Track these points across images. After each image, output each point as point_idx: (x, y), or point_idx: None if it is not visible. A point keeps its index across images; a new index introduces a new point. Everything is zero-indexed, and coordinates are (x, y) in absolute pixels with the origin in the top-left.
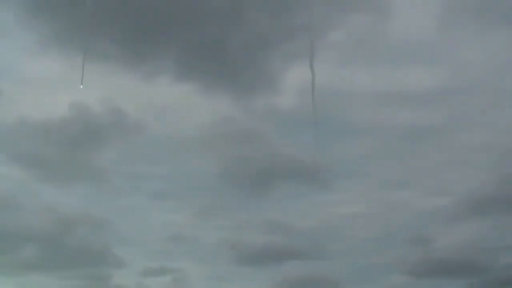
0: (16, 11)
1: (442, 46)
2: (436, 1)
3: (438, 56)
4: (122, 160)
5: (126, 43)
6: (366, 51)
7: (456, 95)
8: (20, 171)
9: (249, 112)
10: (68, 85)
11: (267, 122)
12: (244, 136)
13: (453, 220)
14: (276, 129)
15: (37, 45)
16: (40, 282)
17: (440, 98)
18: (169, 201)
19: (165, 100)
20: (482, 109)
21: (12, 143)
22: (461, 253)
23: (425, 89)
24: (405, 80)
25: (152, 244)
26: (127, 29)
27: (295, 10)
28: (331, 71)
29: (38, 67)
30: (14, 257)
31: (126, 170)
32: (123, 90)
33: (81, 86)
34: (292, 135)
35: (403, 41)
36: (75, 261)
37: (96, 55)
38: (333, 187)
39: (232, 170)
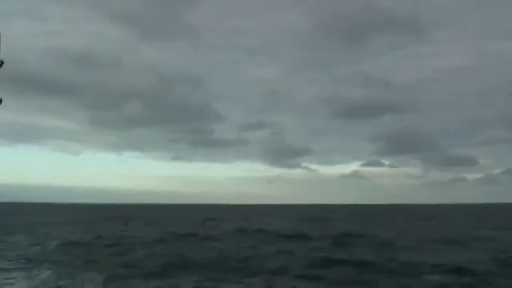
0: None
1: None
2: None
3: None
4: (214, 15)
5: None
6: None
7: None
8: (118, 30)
9: None
10: None
11: None
12: None
13: None
14: None
15: None
16: (145, 135)
17: None
18: (264, 56)
19: None
20: None
21: (108, 2)
22: None
23: None
24: None
25: (249, 100)
26: None
27: None
28: None
29: None
30: (120, 113)
31: (219, 26)
32: None
33: None
34: None
35: None
36: (177, 116)
37: None
38: (430, 39)
39: (326, 23)
